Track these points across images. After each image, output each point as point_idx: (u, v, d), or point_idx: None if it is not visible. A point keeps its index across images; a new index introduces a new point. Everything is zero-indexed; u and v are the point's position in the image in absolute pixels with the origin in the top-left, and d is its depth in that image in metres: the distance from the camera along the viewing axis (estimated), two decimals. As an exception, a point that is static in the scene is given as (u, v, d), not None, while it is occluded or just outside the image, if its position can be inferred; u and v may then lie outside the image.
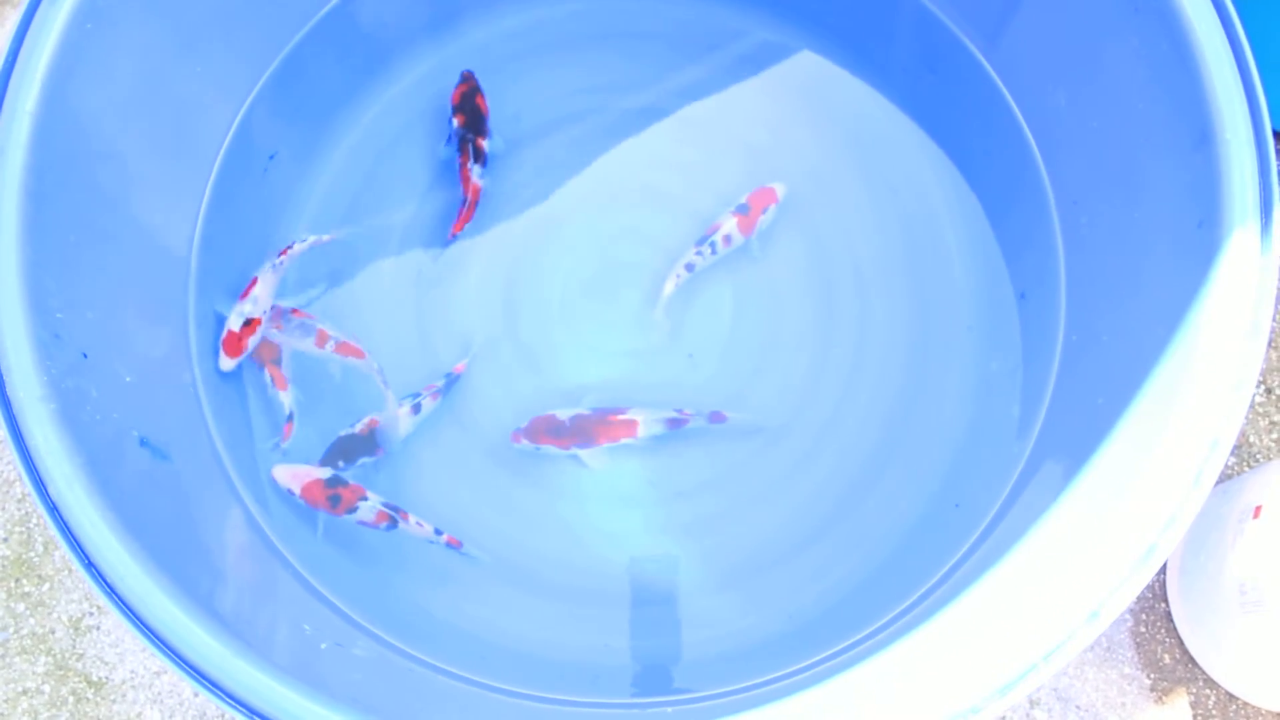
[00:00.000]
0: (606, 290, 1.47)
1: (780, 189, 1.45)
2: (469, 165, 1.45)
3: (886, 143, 1.50)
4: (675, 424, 1.36)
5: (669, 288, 1.42)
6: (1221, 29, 1.08)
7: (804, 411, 1.42)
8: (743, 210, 1.43)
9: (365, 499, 1.30)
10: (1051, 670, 0.95)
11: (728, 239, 1.42)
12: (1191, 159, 1.09)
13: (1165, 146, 1.14)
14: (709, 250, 1.42)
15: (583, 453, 1.37)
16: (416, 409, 1.38)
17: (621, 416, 1.36)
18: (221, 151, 1.43)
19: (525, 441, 1.35)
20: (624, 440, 1.35)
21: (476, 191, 1.45)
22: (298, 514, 1.33)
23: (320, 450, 1.36)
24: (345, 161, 1.50)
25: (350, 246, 1.48)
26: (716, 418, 1.38)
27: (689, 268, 1.42)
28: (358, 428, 1.36)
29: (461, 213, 1.45)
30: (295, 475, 1.31)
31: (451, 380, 1.41)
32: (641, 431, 1.35)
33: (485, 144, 1.46)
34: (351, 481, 1.31)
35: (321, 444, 1.37)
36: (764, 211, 1.43)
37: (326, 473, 1.31)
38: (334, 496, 1.29)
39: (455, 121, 1.46)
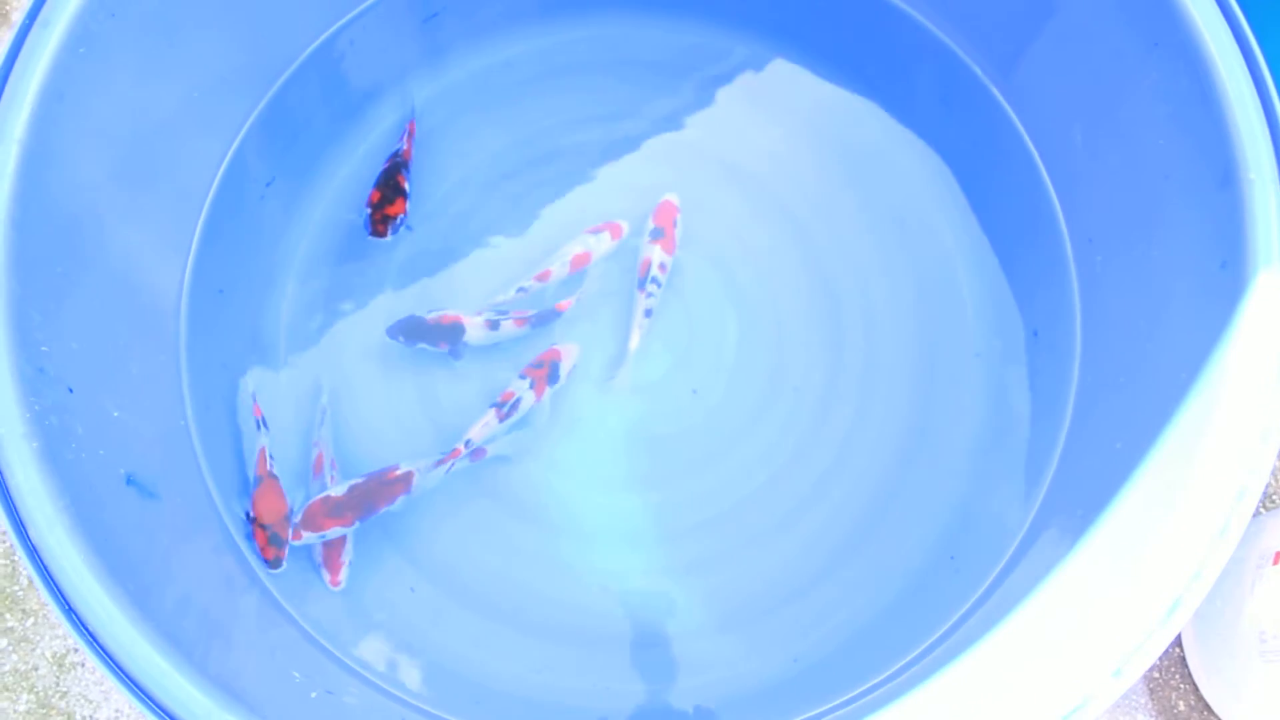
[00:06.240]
0: (609, 325, 1.43)
1: (674, 197, 1.45)
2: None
3: (897, 175, 1.47)
4: (443, 463, 1.33)
5: (635, 341, 1.40)
6: (1245, 65, 1.05)
7: (808, 449, 1.39)
8: (659, 234, 1.42)
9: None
10: (1072, 730, 0.92)
11: (663, 266, 1.41)
12: (1214, 199, 1.06)
13: (1186, 185, 1.11)
14: (655, 287, 1.40)
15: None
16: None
17: (396, 473, 1.31)
18: (216, 179, 1.40)
19: (307, 534, 1.28)
20: (400, 497, 1.31)
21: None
22: (292, 554, 1.30)
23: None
24: (341, 189, 1.47)
25: (352, 276, 1.45)
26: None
27: (648, 313, 1.40)
28: (430, 316, 1.38)
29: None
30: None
31: (551, 316, 1.42)
32: (416, 481, 1.31)
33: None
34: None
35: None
36: (675, 225, 1.43)
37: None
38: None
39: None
